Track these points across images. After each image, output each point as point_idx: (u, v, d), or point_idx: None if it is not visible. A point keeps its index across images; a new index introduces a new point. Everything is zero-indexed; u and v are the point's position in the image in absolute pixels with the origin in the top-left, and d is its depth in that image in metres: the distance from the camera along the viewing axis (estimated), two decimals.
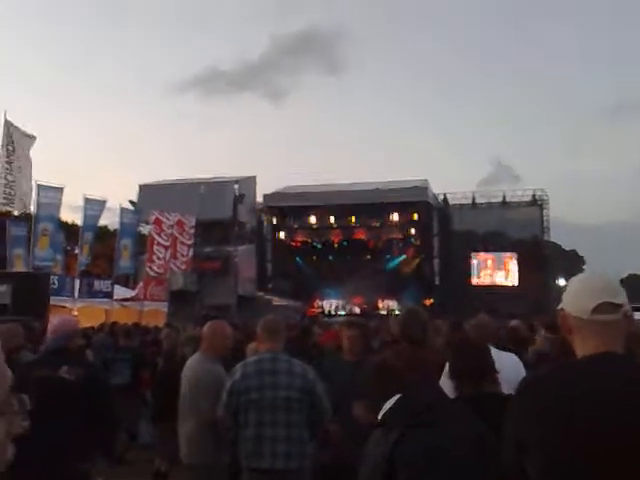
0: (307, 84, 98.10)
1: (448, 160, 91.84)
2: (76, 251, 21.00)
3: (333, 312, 32.11)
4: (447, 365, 2.86)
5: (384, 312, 31.70)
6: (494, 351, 2.97)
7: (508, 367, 3.26)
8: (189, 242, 21.83)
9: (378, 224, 33.25)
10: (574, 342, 1.63)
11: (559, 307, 1.67)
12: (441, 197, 35.28)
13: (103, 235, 21.49)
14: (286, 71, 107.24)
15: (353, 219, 33.39)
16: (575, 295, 1.64)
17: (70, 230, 25.88)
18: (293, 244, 35.06)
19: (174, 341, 7.15)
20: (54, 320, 3.78)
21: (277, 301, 30.32)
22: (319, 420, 3.73)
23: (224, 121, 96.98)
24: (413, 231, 33.07)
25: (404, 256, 33.91)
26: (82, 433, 3.33)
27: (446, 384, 2.81)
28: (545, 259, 33.42)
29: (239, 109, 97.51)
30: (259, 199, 34.32)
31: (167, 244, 20.47)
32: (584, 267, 51.47)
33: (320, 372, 3.84)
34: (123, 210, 20.42)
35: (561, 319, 1.65)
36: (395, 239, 33.76)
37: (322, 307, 33.28)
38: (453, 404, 2.19)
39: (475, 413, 2.53)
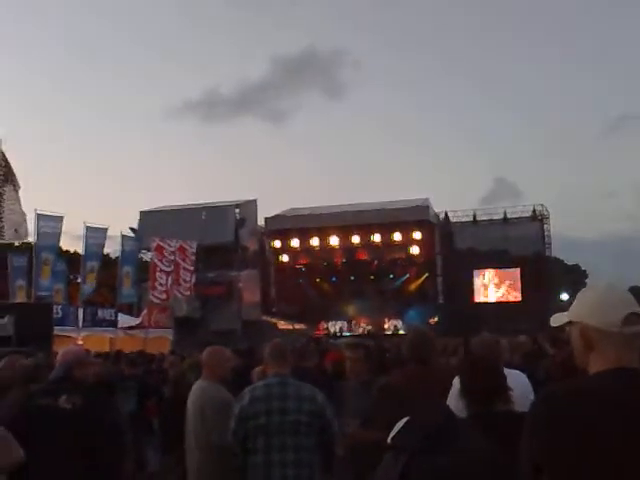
0: (308, 106, 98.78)
1: (449, 179, 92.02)
2: (79, 280, 20.98)
3: (339, 333, 31.94)
4: (457, 383, 2.83)
5: (390, 332, 31.55)
6: (504, 369, 2.93)
7: (518, 386, 3.22)
8: (191, 268, 21.83)
9: (381, 244, 33.24)
10: (589, 357, 1.59)
11: (572, 320, 1.63)
12: (442, 215, 35.32)
13: (105, 263, 21.47)
14: (287, 93, 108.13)
15: (356, 240, 33.38)
16: (599, 307, 1.59)
17: (71, 259, 25.91)
18: (296, 267, 35.02)
19: (180, 368, 7.12)
20: (62, 350, 3.78)
21: (282, 325, 30.20)
22: (329, 444, 3.68)
23: (225, 144, 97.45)
24: (416, 250, 33.05)
25: (407, 275, 33.84)
26: (81, 462, 3.27)
27: (457, 403, 2.78)
28: (548, 274, 33.32)
29: (239, 132, 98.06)
30: (261, 222, 34.39)
31: (169, 270, 20.48)
32: (587, 281, 51.34)
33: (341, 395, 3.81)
34: (124, 237, 20.49)
35: (579, 332, 1.60)
36: (398, 258, 33.72)
37: (327, 329, 33.13)
38: (463, 425, 2.14)
39: (489, 431, 2.49)
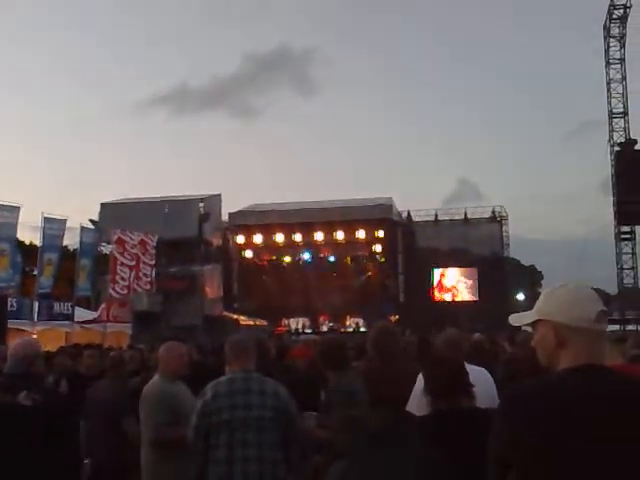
0: (278, 103, 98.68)
1: (413, 179, 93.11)
2: (35, 272, 20.44)
3: (300, 330, 31.94)
4: (421, 380, 2.83)
5: (351, 329, 31.69)
6: (466, 366, 2.95)
7: (481, 382, 3.24)
8: (151, 262, 21.50)
9: (344, 241, 33.34)
10: (560, 354, 1.60)
11: (542, 319, 1.64)
12: (405, 214, 35.65)
13: (64, 256, 20.98)
14: (258, 90, 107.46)
15: (319, 237, 33.42)
16: (571, 304, 1.60)
17: (28, 250, 25.23)
18: (259, 263, 34.88)
19: (139, 363, 7.04)
20: (15, 343, 3.64)
21: (244, 320, 30.06)
22: (294, 440, 3.66)
23: (191, 139, 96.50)
24: (378, 248, 33.29)
25: (370, 273, 34.06)
26: (38, 461, 3.18)
27: (421, 400, 2.78)
28: (505, 274, 33.97)
29: (207, 127, 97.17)
30: (225, 217, 34.12)
31: (131, 264, 20.13)
32: (542, 282, 52.56)
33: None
34: (83, 229, 20.04)
35: (551, 330, 1.61)
36: (361, 256, 33.91)
37: (289, 325, 33.09)
38: (411, 429, 2.15)
39: (454, 428, 2.51)
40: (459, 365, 2.79)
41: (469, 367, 3.00)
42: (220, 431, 3.56)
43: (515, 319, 1.80)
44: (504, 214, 35.07)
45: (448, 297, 34.55)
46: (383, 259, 33.69)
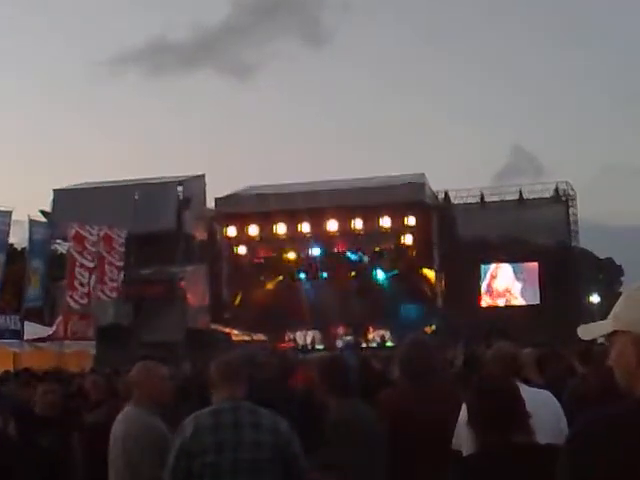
0: (279, 57, 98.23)
1: (452, 150, 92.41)
2: None
3: (309, 346, 32.02)
4: (465, 410, 2.83)
5: (375, 344, 31.71)
6: (523, 389, 2.93)
7: (543, 409, 3.22)
8: (119, 263, 21.65)
9: (364, 232, 33.31)
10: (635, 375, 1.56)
11: (620, 330, 1.60)
12: (442, 196, 35.56)
13: (9, 257, 21.13)
14: (253, 41, 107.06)
15: (333, 227, 33.43)
16: None
17: None
18: (256, 261, 34.95)
19: (104, 390, 7.07)
20: None
21: (237, 335, 30.19)
22: None
23: (168, 107, 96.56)
24: (409, 239, 33.26)
25: (397, 272, 34.05)
26: None
27: (464, 433, 2.77)
28: (574, 270, 33.84)
29: (188, 91, 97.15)
30: (210, 204, 34.23)
31: (92, 266, 20.26)
32: (622, 279, 52.32)
33: None
34: (33, 223, 20.14)
35: (632, 345, 1.57)
36: (385, 250, 33.90)
37: (295, 340, 33.20)
38: None
39: (504, 468, 2.49)
40: (513, 389, 2.79)
41: (527, 391, 2.99)
42: (204, 476, 3.55)
43: (585, 331, 1.77)
44: (571, 193, 34.91)
45: (501, 302, 34.49)
46: (415, 253, 33.65)
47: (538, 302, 33.23)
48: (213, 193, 34.52)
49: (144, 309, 27.27)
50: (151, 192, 29.44)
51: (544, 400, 3.51)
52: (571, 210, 34.80)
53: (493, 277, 34.62)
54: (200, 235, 32.72)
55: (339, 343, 32.23)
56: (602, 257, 49.74)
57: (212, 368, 3.87)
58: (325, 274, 34.27)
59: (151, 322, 26.92)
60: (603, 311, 34.51)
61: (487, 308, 33.73)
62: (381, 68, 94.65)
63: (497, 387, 2.82)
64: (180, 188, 30.94)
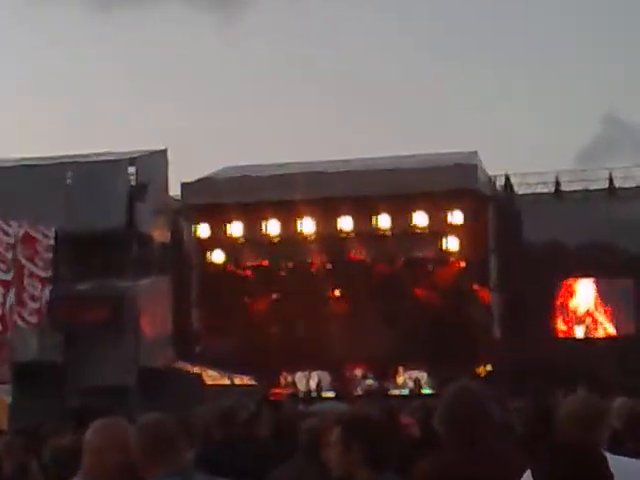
0: None
1: (513, 120, 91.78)
2: None
3: (314, 393, 32.05)
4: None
5: (407, 390, 31.68)
6: (613, 459, 2.99)
7: None
8: (45, 274, 21.67)
9: (390, 233, 33.37)
10: None
11: None
12: (501, 182, 35.54)
13: None
14: None
15: (347, 225, 33.45)
16: None
17: None
18: (238, 272, 34.98)
19: (21, 459, 7.08)
20: None
21: (212, 377, 30.12)
22: None
23: (119, 55, 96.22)
24: (453, 243, 33.25)
25: (438, 289, 34.06)
26: None
27: None
28: None
29: (147, 31, 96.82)
30: (175, 192, 34.32)
31: (8, 278, 20.32)
32: None
33: None
34: None
35: None
36: (421, 259, 33.91)
37: (295, 385, 33.22)
38: None
39: None
40: (594, 456, 2.82)
41: (618, 461, 3.03)
42: None
43: None
44: None
45: (579, 331, 34.46)
46: (462, 264, 33.69)
47: (633, 332, 33.23)
48: (179, 176, 34.55)
49: (80, 340, 27.20)
50: (90, 174, 29.45)
51: (632, 472, 3.53)
52: None
53: (570, 293, 34.61)
54: (160, 236, 32.65)
55: (357, 389, 32.23)
56: None
57: (135, 436, 3.99)
58: (337, 292, 34.26)
59: (90, 359, 26.87)
60: None
61: (564, 341, 33.68)
62: (407, 5, 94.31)
63: (576, 450, 2.86)
64: (132, 169, 30.89)
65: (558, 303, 34.55)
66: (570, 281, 34.47)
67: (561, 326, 34.51)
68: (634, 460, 3.75)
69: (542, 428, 6.66)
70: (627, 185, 34.67)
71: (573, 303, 34.67)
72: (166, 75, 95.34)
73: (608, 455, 2.96)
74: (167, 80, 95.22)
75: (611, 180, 34.72)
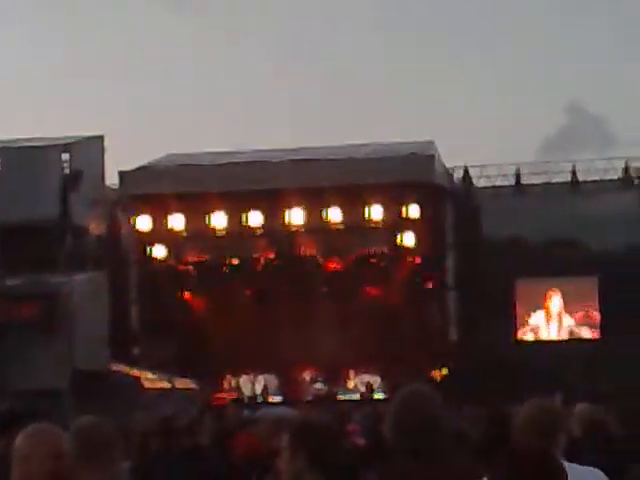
0: None
1: (474, 109, 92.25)
2: None
3: (260, 398, 32.04)
4: None
5: (357, 395, 31.75)
6: (570, 467, 3.03)
7: None
8: None
9: (343, 226, 33.44)
10: None
11: None
12: (460, 174, 35.70)
13: None
14: None
15: (296, 218, 33.45)
16: None
17: None
18: (181, 268, 34.88)
19: None
20: None
21: (151, 380, 29.97)
22: None
23: (52, 33, 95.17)
24: (409, 239, 33.34)
25: (392, 288, 34.14)
26: None
27: None
28: None
29: (85, 10, 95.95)
30: (113, 180, 34.15)
31: None
32: None
33: None
34: None
35: None
36: (375, 255, 34.00)
37: (239, 389, 33.19)
38: None
39: None
40: (554, 464, 2.85)
41: (575, 470, 3.08)
42: None
43: None
44: None
45: (543, 334, 34.76)
46: (419, 259, 33.82)
47: (598, 335, 33.54)
48: (116, 164, 34.33)
49: (9, 340, 26.97)
50: (19, 160, 29.23)
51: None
52: None
53: (532, 296, 34.91)
54: (96, 228, 32.41)
55: (306, 394, 32.24)
56: None
57: (70, 439, 3.96)
58: (285, 290, 34.30)
59: (20, 360, 26.65)
60: None
61: (526, 343, 33.94)
62: None
63: (534, 458, 2.87)
64: (66, 156, 30.63)
65: (519, 303, 34.74)
66: (532, 279, 34.67)
67: (522, 327, 34.71)
68: (590, 468, 3.81)
69: (499, 435, 6.72)
70: (590, 178, 34.93)
71: (535, 303, 34.91)
72: (105, 55, 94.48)
73: (565, 463, 3.01)
74: (105, 60, 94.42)
75: (574, 173, 34.98)
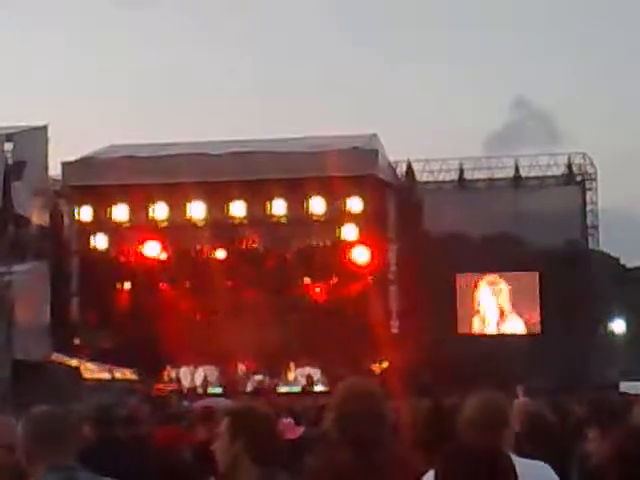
0: None
1: (419, 100, 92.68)
2: None
3: (200, 389, 32.00)
4: None
5: (298, 388, 31.76)
6: (517, 461, 3.01)
7: None
8: None
9: (286, 219, 33.40)
10: None
11: None
12: (402, 169, 35.77)
13: None
14: None
15: (238, 210, 33.38)
16: None
17: None
18: (122, 259, 34.68)
19: None
20: None
21: (92, 371, 29.80)
22: None
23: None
24: (350, 233, 33.40)
25: (334, 281, 34.19)
26: None
27: None
28: (590, 284, 34.46)
29: None
30: (56, 171, 33.91)
31: None
32: None
33: None
34: None
35: None
36: (316, 248, 34.00)
37: (178, 380, 33.10)
38: None
39: None
40: (499, 460, 2.84)
41: (519, 461, 3.06)
42: None
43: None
44: (590, 170, 35.52)
45: (486, 328, 34.99)
46: (361, 256, 33.91)
47: (538, 331, 33.85)
48: (59, 155, 34.05)
49: None
50: None
51: (535, 475, 3.63)
52: (589, 196, 35.49)
53: (473, 288, 35.18)
54: (38, 218, 32.15)
55: (246, 386, 32.16)
56: (630, 265, 50.76)
57: (23, 428, 3.95)
58: (227, 282, 34.22)
59: None
60: (630, 343, 35.16)
61: (463, 338, 34.12)
62: None
63: (477, 453, 2.87)
64: (9, 145, 30.32)
65: (460, 298, 34.93)
66: (473, 274, 34.90)
67: (462, 321, 34.90)
68: (539, 463, 3.80)
69: (440, 429, 6.71)
70: (535, 174, 35.13)
71: (476, 298, 35.12)
72: (53, 40, 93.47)
73: (514, 457, 2.99)
74: (52, 49, 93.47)
75: (517, 168, 35.14)
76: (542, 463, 3.81)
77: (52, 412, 4.04)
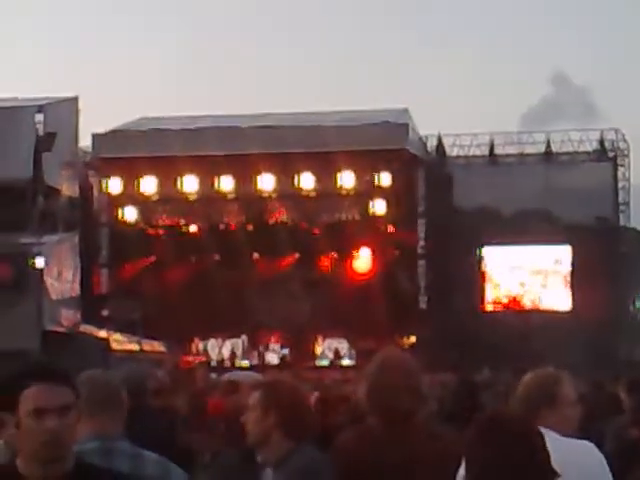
0: None
1: (454, 76, 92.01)
2: None
3: (228, 362, 32.09)
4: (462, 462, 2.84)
5: (326, 361, 31.84)
6: (552, 437, 2.96)
7: (578, 465, 3.27)
8: None
9: (315, 194, 33.39)
10: None
11: None
12: (433, 143, 35.67)
13: None
14: None
15: (267, 183, 33.38)
16: None
17: None
18: (151, 231, 34.79)
19: None
20: None
21: (120, 342, 29.94)
22: None
23: None
24: (380, 207, 33.37)
25: (364, 255, 34.19)
26: None
27: None
28: (621, 260, 34.31)
29: None
30: (86, 143, 33.92)
31: None
32: None
33: None
34: None
35: None
36: (345, 222, 33.98)
37: (206, 353, 33.22)
38: None
39: None
40: (530, 436, 2.79)
41: (557, 440, 3.01)
42: None
43: None
44: (622, 146, 35.31)
45: (514, 304, 34.90)
46: (389, 229, 33.85)
47: (570, 307, 33.73)
48: (90, 127, 34.05)
49: None
50: None
51: (582, 453, 3.59)
52: (621, 172, 35.29)
53: (502, 267, 35.03)
54: (68, 190, 32.16)
55: (272, 357, 32.27)
56: None
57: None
58: (255, 255, 34.28)
59: None
60: None
61: (493, 313, 34.09)
62: None
63: (509, 432, 2.80)
64: (39, 117, 30.36)
65: (488, 273, 34.87)
66: (500, 248, 34.78)
67: (490, 298, 34.84)
68: (572, 440, 3.74)
69: (469, 404, 6.69)
70: (566, 150, 34.93)
71: (505, 274, 35.02)
72: (85, 10, 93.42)
73: (547, 432, 2.93)
74: (85, 16, 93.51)
75: (548, 144, 34.95)
76: (587, 442, 3.76)
77: (101, 376, 4.02)
